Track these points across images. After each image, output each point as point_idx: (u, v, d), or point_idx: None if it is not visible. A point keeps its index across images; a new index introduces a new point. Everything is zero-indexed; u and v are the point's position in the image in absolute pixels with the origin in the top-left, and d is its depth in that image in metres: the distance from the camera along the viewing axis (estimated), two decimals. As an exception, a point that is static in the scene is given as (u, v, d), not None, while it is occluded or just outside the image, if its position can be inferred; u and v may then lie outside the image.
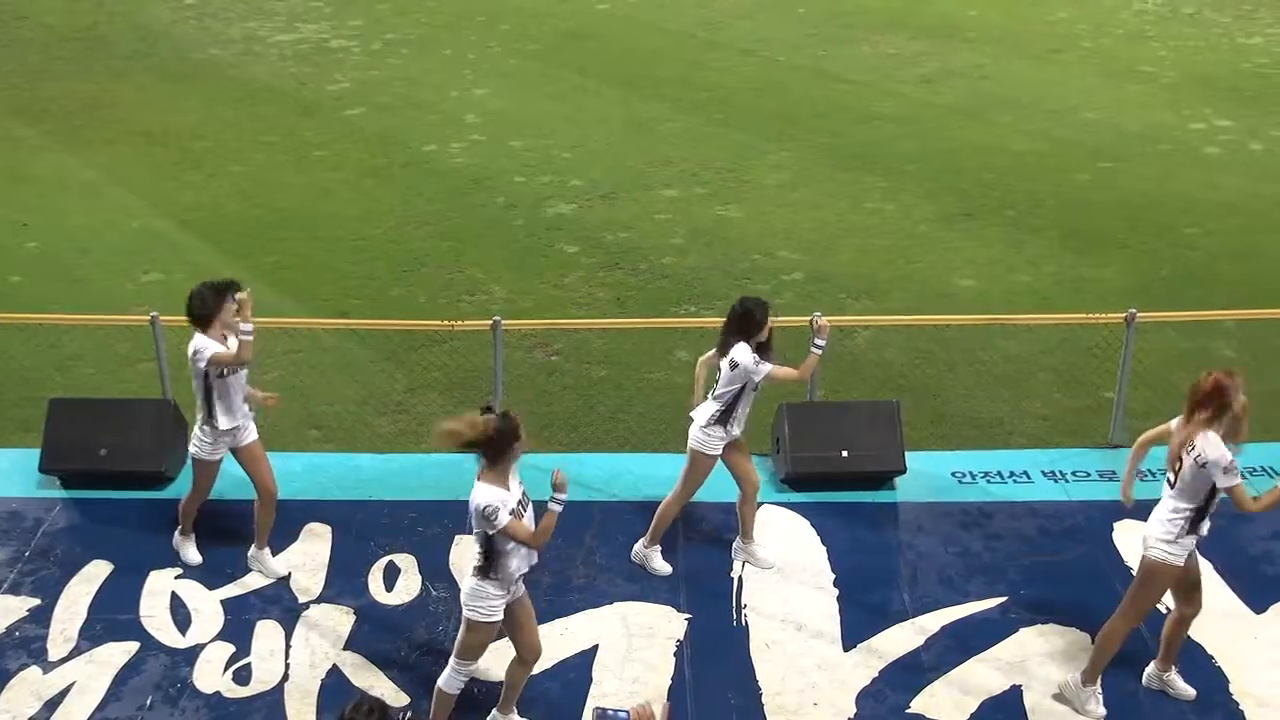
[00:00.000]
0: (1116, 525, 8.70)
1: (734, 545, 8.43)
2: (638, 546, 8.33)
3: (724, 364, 7.76)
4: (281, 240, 13.50)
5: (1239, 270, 12.69)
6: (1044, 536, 8.65)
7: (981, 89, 18.37)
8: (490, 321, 9.37)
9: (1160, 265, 12.90)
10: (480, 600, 6.51)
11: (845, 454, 8.97)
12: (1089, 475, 9.29)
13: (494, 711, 6.93)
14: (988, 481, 9.21)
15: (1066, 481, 9.21)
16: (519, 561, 6.51)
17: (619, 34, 21.23)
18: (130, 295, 12.02)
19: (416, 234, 13.65)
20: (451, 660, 6.75)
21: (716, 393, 7.82)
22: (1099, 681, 7.19)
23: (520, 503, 6.42)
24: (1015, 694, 7.30)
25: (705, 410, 7.89)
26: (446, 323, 10.32)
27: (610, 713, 5.04)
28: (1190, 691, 7.25)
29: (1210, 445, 6.65)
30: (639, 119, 17.12)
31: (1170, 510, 6.84)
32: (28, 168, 15.42)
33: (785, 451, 8.99)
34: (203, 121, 16.96)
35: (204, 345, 7.54)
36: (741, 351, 7.68)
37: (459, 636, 6.73)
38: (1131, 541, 8.54)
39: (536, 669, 7.31)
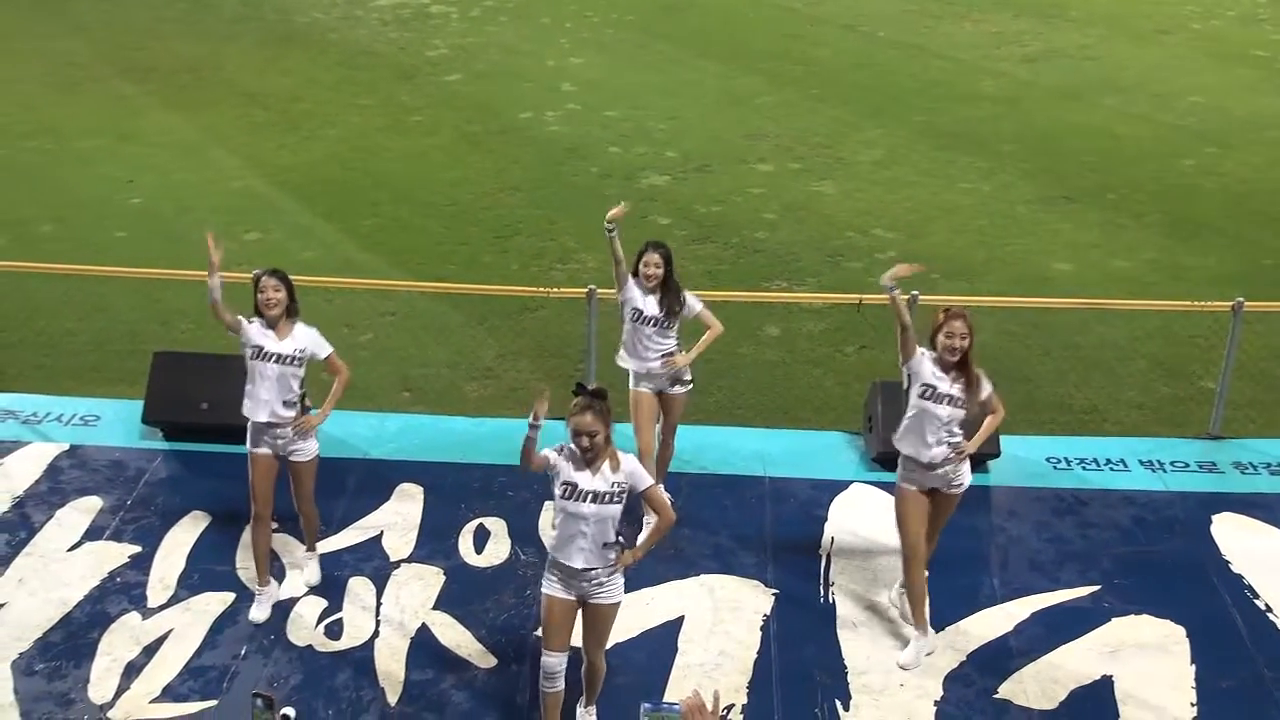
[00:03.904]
0: (1215, 518, 8.55)
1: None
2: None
3: None
4: (377, 204, 13.65)
5: (1348, 262, 12.38)
6: (1140, 526, 8.51)
7: (1085, 70, 18.05)
8: (585, 290, 9.40)
9: (1263, 255, 12.60)
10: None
11: (938, 435, 8.87)
12: (1188, 466, 9.13)
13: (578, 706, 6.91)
14: (1083, 468, 9.09)
15: (1165, 471, 9.05)
16: (560, 542, 6.29)
17: (717, 6, 21.12)
18: (230, 254, 12.09)
19: (510, 201, 13.72)
20: None
21: None
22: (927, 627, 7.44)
23: (576, 486, 6.19)
24: (1106, 684, 7.18)
25: None
26: (543, 289, 10.38)
27: (664, 706, 5.01)
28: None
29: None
30: (735, 92, 17.04)
31: None
32: (133, 126, 15.72)
33: (878, 430, 8.92)
34: (302, 84, 17.18)
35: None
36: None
37: None
38: (1230, 534, 8.41)
39: (623, 636, 7.36)
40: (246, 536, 8.07)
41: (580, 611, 6.47)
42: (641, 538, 6.70)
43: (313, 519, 7.85)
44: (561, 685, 6.50)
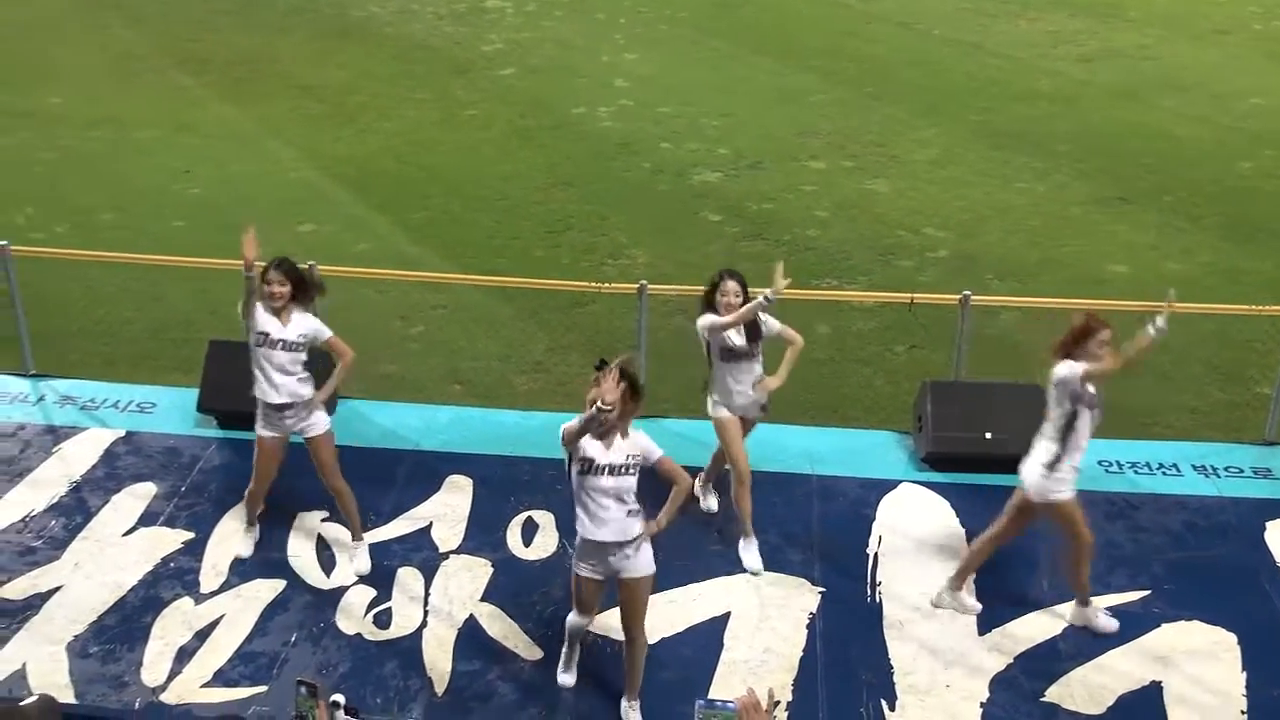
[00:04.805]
0: (1269, 524, 8.44)
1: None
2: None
3: None
4: (429, 197, 13.73)
5: None
6: (1192, 532, 8.43)
7: (1143, 70, 17.84)
8: (637, 285, 9.42)
9: (1325, 259, 12.42)
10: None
11: (989, 435, 8.83)
12: (1242, 471, 9.02)
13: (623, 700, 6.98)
14: (1135, 472, 9.00)
15: (1218, 477, 8.94)
16: (585, 520, 6.48)
17: (771, 3, 21.05)
18: (285, 245, 12.23)
19: (562, 196, 13.76)
20: None
21: None
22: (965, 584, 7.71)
23: (593, 461, 6.40)
24: (1155, 689, 7.13)
25: None
26: (595, 284, 10.42)
27: (719, 703, 5.00)
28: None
29: (1062, 366, 7.01)
30: (788, 89, 16.99)
31: (1041, 446, 7.20)
32: (191, 116, 15.89)
33: (927, 430, 8.90)
34: (358, 78, 17.30)
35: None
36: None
37: None
38: (1285, 542, 8.32)
39: (669, 631, 7.40)
40: (297, 523, 8.23)
41: (617, 590, 6.66)
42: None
43: (345, 495, 7.93)
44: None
